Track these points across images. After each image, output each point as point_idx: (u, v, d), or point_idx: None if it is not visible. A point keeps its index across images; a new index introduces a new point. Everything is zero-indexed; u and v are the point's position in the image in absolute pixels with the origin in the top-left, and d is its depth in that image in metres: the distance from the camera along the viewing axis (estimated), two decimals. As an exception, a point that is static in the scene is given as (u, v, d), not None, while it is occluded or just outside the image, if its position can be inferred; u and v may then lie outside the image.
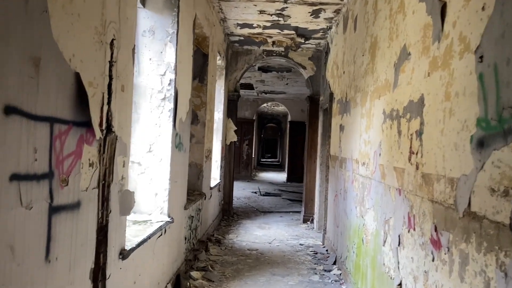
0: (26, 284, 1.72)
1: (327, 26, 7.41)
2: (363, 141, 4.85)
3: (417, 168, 3.03)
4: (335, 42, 7.24)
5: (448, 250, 2.46)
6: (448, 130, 2.54)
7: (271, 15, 6.93)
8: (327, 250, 6.85)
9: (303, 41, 8.38)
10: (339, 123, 6.47)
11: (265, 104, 19.35)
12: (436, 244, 2.65)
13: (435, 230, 2.66)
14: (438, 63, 2.75)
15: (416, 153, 3.07)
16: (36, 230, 1.80)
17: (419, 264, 2.93)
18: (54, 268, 1.95)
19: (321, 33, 7.85)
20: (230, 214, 9.50)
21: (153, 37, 4.23)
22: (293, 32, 7.87)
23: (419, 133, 3.02)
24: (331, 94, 7.25)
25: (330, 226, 6.94)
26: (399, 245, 3.38)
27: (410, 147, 3.20)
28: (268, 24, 7.45)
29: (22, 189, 1.66)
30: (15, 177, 1.61)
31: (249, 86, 14.55)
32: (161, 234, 3.98)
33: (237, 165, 17.74)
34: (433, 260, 2.68)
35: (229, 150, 9.25)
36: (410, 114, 3.25)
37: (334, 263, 6.06)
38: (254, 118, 19.98)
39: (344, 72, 6.28)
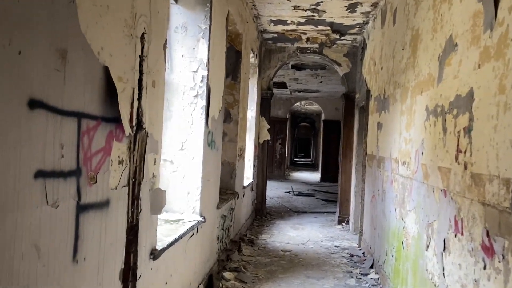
0: (52, 285, 1.66)
1: (364, 21, 7.16)
2: (403, 139, 4.61)
3: (465, 167, 2.81)
4: (372, 37, 6.98)
5: (503, 258, 2.23)
6: (502, 126, 2.32)
7: (306, 10, 6.76)
8: (363, 253, 6.61)
9: (338, 37, 8.15)
10: (376, 121, 6.22)
11: (298, 103, 19.13)
12: (488, 250, 2.43)
13: (487, 235, 2.43)
14: (490, 53, 2.52)
15: (464, 152, 2.83)
16: (63, 229, 1.73)
17: (467, 272, 2.70)
18: (82, 268, 1.89)
19: (357, 28, 7.60)
20: (263, 214, 9.38)
21: (186, 33, 4.16)
22: (328, 28, 7.66)
23: (468, 130, 2.79)
24: (368, 91, 7.00)
25: (367, 228, 6.69)
26: (444, 250, 3.15)
27: (457, 145, 2.96)
28: (302, 20, 7.28)
29: (47, 187, 1.59)
30: (41, 174, 1.55)
31: (282, 85, 14.39)
32: (193, 234, 3.91)
33: (270, 164, 17.60)
34: (484, 268, 2.46)
35: (262, 149, 9.14)
36: (457, 110, 3.01)
37: (371, 266, 5.82)
38: (287, 117, 19.79)
39: (382, 68, 6.02)
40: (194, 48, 4.16)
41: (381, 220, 5.60)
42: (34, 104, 1.49)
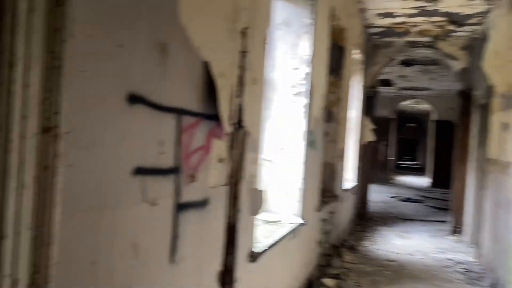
0: (149, 285, 1.62)
1: (486, 9, 6.37)
2: (537, 142, 3.95)
3: None
4: (496, 26, 6.17)
5: None
6: None
7: (418, 0, 6.21)
8: (482, 269, 5.87)
9: (454, 28, 7.38)
10: (501, 121, 5.47)
11: (404, 102, 17.97)
12: None
13: None
14: None
15: None
16: (161, 228, 1.69)
17: None
18: (179, 269, 1.84)
19: (477, 18, 6.79)
20: (365, 219, 8.92)
21: (288, 30, 4.03)
22: (443, 18, 6.97)
23: None
24: (491, 88, 6.20)
25: (487, 242, 5.93)
26: None
27: None
28: (414, 11, 6.71)
29: (146, 184, 1.56)
30: (139, 171, 1.51)
31: (387, 83, 13.61)
32: (293, 237, 3.76)
33: (373, 167, 16.80)
34: None
35: (364, 151, 8.68)
36: None
37: (492, 285, 5.13)
38: (392, 117, 18.73)
39: (509, 60, 5.27)
40: (296, 45, 4.01)
41: (504, 233, 4.89)
42: (134, 99, 1.46)
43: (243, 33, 2.42)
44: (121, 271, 1.45)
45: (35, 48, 1.02)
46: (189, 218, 1.91)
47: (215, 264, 2.25)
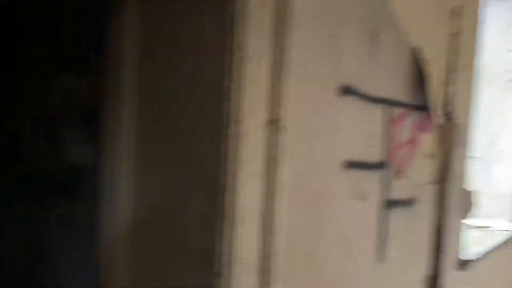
0: (357, 281, 1.57)
1: None
2: None
3: None
4: None
5: None
6: None
7: None
8: None
9: None
10: None
11: None
12: None
13: None
14: None
15: None
16: (369, 225, 1.62)
17: None
18: (385, 269, 1.74)
19: None
20: None
21: (503, 6, 3.47)
22: None
23: None
24: None
25: None
26: None
27: None
28: None
29: (356, 178, 1.51)
30: (349, 164, 1.47)
31: None
32: (508, 246, 3.23)
33: None
34: None
35: None
36: None
37: None
38: None
39: None
40: (512, 23, 3.43)
41: None
42: (345, 90, 1.42)
43: (455, 12, 2.16)
44: (331, 264, 1.45)
45: (264, 43, 1.06)
46: (396, 217, 1.79)
47: (421, 269, 2.07)
